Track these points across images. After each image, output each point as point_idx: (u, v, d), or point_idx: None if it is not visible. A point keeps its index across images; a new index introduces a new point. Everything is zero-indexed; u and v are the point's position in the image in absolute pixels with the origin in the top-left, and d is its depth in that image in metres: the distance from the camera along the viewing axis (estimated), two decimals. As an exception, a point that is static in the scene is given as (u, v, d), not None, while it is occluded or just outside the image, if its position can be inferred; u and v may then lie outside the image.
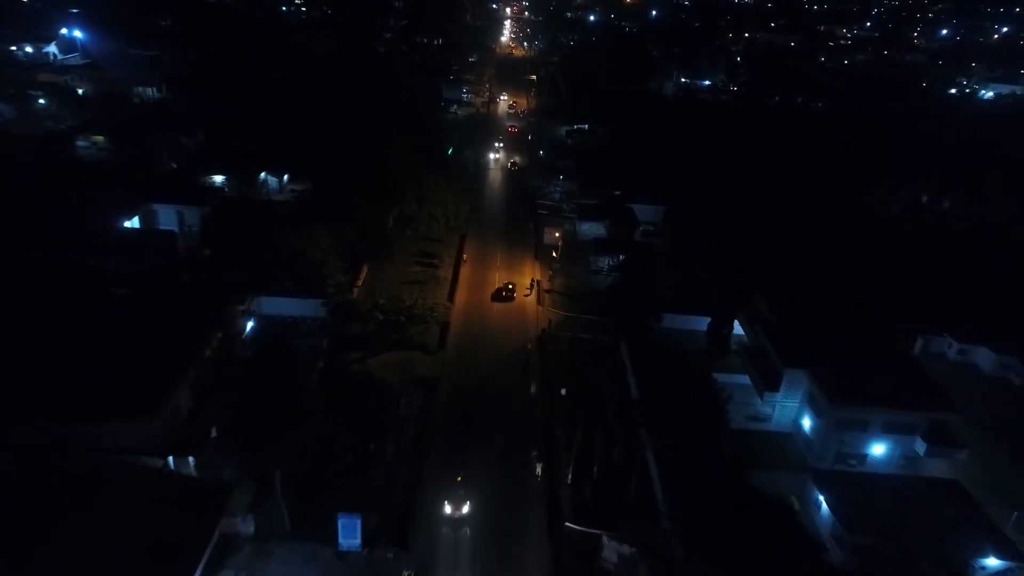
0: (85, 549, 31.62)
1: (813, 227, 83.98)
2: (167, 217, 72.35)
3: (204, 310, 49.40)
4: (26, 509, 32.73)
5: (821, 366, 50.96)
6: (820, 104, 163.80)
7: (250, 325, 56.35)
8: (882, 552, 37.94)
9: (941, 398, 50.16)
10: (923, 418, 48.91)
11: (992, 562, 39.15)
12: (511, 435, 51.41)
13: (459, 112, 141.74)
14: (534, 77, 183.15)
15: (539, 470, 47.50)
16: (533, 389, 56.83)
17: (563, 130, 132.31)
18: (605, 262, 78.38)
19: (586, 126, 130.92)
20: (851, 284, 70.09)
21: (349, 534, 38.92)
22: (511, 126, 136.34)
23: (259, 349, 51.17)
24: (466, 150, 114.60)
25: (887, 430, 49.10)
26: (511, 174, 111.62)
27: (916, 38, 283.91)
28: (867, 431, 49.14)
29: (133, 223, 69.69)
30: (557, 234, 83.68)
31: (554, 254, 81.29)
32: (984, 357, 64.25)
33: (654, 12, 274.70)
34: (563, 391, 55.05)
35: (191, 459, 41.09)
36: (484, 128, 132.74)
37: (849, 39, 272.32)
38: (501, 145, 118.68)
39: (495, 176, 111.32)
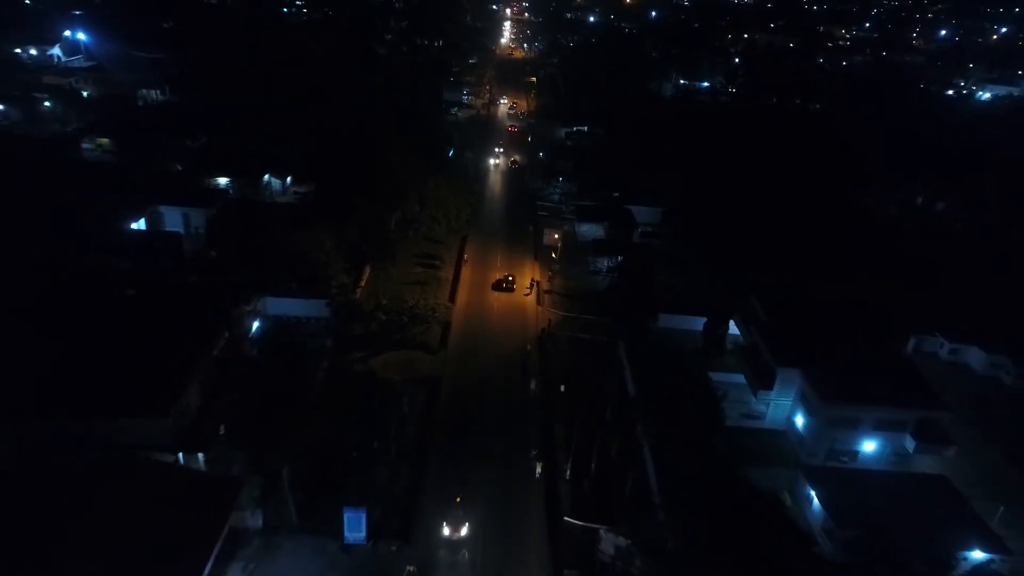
0: (103, 539, 32.89)
1: (810, 228, 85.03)
2: (173, 219, 73.44)
3: (211, 311, 50.64)
4: (47, 502, 33.98)
5: (814, 365, 52.26)
6: (818, 105, 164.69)
7: (256, 325, 57.57)
8: (871, 545, 39.14)
9: (930, 396, 51.45)
10: (912, 416, 50.22)
11: (977, 555, 40.37)
12: (511, 433, 52.60)
13: (459, 114, 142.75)
14: (534, 79, 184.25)
15: (539, 469, 48.69)
16: (533, 386, 58.11)
17: (563, 132, 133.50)
18: (604, 263, 79.59)
19: (585, 128, 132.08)
20: (848, 285, 71.16)
21: (354, 527, 40.18)
22: (511, 126, 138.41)
23: (265, 349, 52.26)
24: (467, 152, 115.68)
25: (877, 427, 50.38)
26: (511, 176, 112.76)
27: (915, 39, 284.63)
28: (858, 428, 50.44)
29: (140, 225, 70.83)
30: (556, 235, 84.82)
31: (553, 255, 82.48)
32: (975, 356, 65.52)
33: (653, 13, 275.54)
34: (562, 388, 56.37)
35: (201, 455, 42.33)
36: (484, 130, 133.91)
37: (848, 40, 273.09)
38: (501, 151, 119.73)
39: (495, 178, 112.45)
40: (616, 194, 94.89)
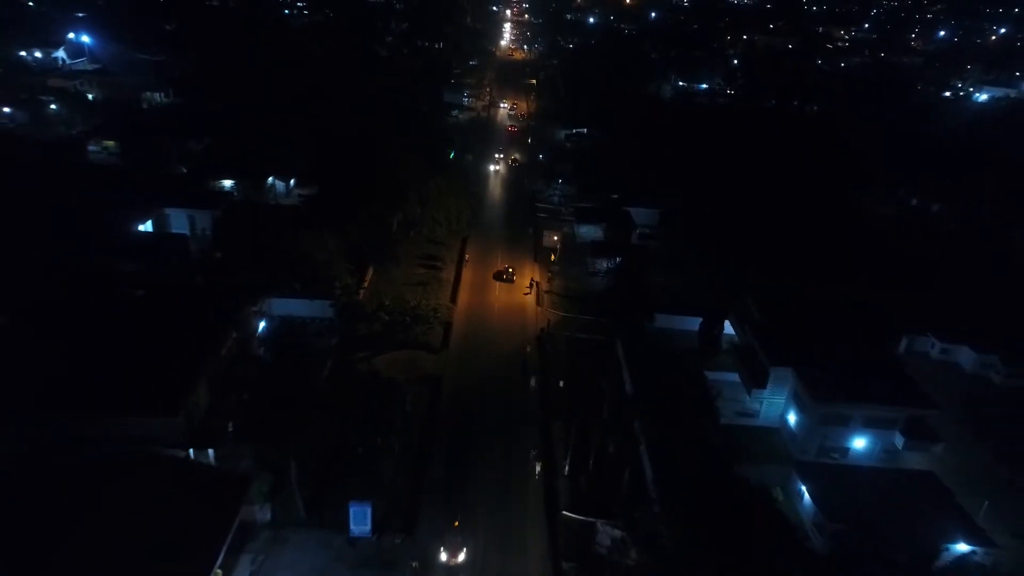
0: (118, 531, 34.25)
1: (808, 229, 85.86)
2: (179, 221, 74.58)
3: (219, 311, 51.91)
4: (64, 494, 35.40)
5: (806, 364, 53.52)
6: (816, 107, 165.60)
7: (263, 325, 58.85)
8: (859, 538, 40.46)
9: (919, 395, 52.72)
10: (902, 414, 51.53)
11: (961, 547, 41.72)
12: (511, 430, 53.93)
13: (460, 116, 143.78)
14: (534, 81, 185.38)
15: (538, 468, 49.95)
16: (533, 383, 59.48)
17: (562, 134, 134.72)
18: (602, 264, 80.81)
19: (585, 130, 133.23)
20: (845, 285, 71.94)
21: (360, 521, 41.54)
22: (511, 126, 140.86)
23: (272, 348, 53.73)
24: (467, 154, 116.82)
25: (868, 425, 51.68)
26: (511, 178, 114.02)
27: (913, 40, 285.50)
28: (849, 426, 51.73)
29: (146, 227, 72.07)
30: (556, 237, 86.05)
31: (553, 256, 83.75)
32: (965, 356, 66.74)
33: (653, 14, 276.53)
34: (561, 384, 57.76)
35: (211, 452, 43.67)
36: (485, 132, 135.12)
37: (847, 41, 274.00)
38: (501, 157, 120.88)
39: (495, 180, 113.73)
40: (615, 196, 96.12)
